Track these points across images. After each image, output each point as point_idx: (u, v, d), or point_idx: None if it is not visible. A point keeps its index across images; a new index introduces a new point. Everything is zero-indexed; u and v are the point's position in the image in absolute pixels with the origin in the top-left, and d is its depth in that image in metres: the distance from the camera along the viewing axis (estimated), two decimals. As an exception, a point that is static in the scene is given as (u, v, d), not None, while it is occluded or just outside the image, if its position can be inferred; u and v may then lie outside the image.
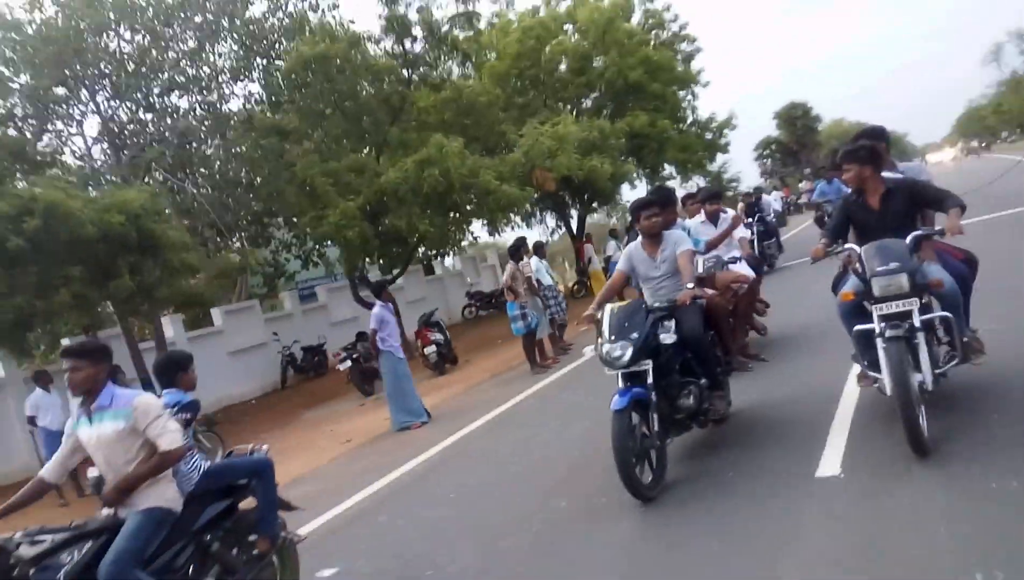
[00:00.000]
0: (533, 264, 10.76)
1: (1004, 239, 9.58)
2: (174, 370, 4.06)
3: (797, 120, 53.65)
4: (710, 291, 4.97)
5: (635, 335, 4.30)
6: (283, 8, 14.78)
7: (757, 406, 5.43)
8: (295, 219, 13.89)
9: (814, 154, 51.95)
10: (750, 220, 12.65)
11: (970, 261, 4.51)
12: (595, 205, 20.38)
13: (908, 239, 4.06)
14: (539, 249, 11.66)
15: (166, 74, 13.72)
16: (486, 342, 14.39)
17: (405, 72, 14.80)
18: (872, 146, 4.43)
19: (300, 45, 13.43)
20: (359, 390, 12.43)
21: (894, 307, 3.89)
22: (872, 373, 4.19)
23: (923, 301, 3.95)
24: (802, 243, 14.34)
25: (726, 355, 5.06)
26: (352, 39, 13.77)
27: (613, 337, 4.34)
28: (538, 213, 19.15)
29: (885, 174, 4.43)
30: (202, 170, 14.37)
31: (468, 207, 13.70)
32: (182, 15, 13.78)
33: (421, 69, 14.93)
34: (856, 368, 4.62)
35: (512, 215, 15.81)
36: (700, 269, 6.56)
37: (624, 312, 4.50)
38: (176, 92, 14.10)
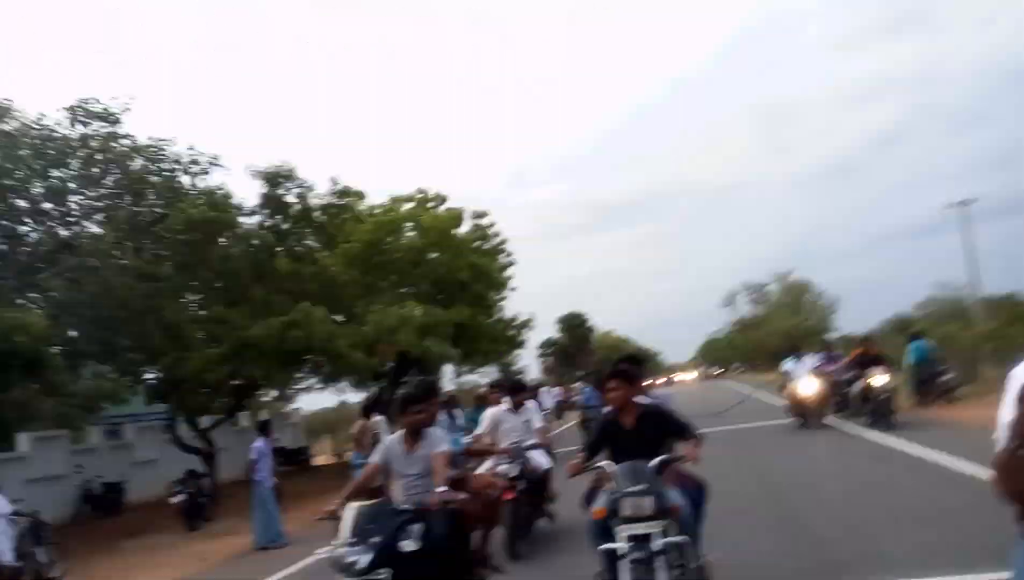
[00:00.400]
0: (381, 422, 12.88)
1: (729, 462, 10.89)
2: None
3: (575, 327, 61.62)
4: (462, 495, 4.61)
5: (376, 539, 3.93)
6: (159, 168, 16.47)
7: None
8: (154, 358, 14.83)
9: (587, 358, 59.27)
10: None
11: (702, 488, 4.77)
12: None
13: (655, 462, 4.31)
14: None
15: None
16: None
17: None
18: (634, 370, 4.88)
19: (188, 207, 15.23)
20: (186, 523, 13.11)
21: (640, 528, 4.06)
22: None
23: (664, 524, 4.12)
24: (568, 439, 17.21)
25: (472, 564, 4.87)
26: (236, 209, 15.87)
27: (354, 539, 3.96)
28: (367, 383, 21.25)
29: (640, 399, 4.86)
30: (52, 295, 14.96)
31: (321, 367, 15.64)
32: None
33: (288, 242, 17.21)
34: None
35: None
36: (506, 462, 7.24)
37: (371, 512, 4.12)
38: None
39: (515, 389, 8.26)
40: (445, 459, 4.51)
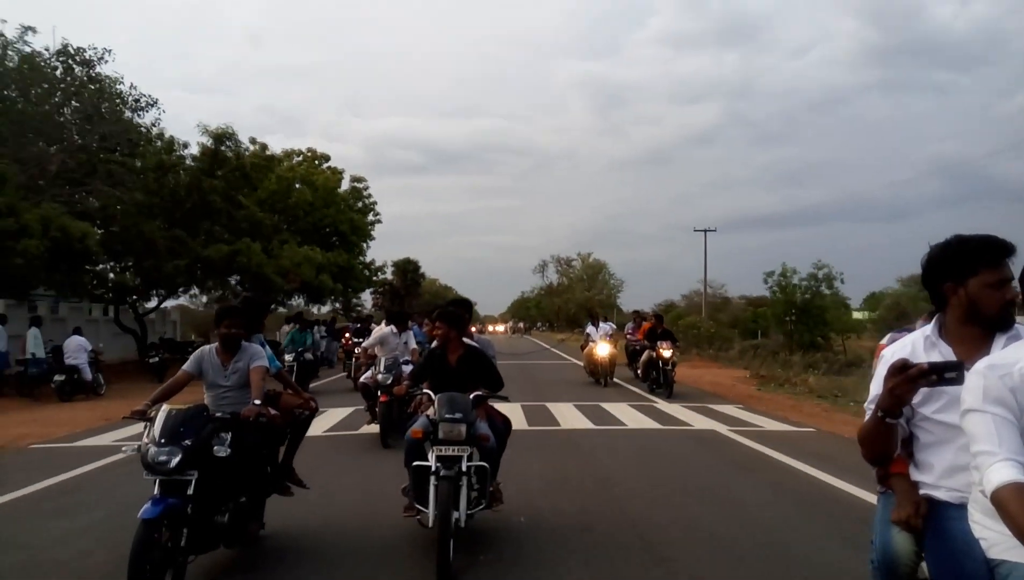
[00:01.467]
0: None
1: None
2: None
3: (409, 272, 68.75)
4: (273, 411, 4.87)
5: (187, 442, 4.02)
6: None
7: (293, 529, 5.34)
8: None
9: (415, 300, 66.75)
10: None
11: (507, 424, 5.34)
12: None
13: (472, 396, 4.79)
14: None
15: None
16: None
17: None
18: (462, 314, 5.39)
19: (156, 152, 20.77)
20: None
21: (451, 451, 4.49)
22: (418, 506, 4.70)
23: (470, 450, 4.59)
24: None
25: (275, 476, 5.12)
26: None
27: (163, 440, 4.02)
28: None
29: (464, 340, 5.28)
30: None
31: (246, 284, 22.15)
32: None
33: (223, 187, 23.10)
34: (404, 500, 5.00)
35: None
36: (380, 372, 9.11)
37: (182, 415, 4.18)
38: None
39: (400, 317, 10.19)
40: (261, 373, 4.72)
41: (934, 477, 2.34)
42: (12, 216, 14.98)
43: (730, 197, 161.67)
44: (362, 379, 10.33)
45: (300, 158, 31.08)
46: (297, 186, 28.50)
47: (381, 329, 10.20)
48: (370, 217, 32.11)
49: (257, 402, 4.56)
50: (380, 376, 9.20)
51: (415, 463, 4.67)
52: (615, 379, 17.38)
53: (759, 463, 8.18)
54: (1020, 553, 1.93)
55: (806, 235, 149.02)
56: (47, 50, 20.00)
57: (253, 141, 24.71)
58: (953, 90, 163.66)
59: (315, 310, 33.80)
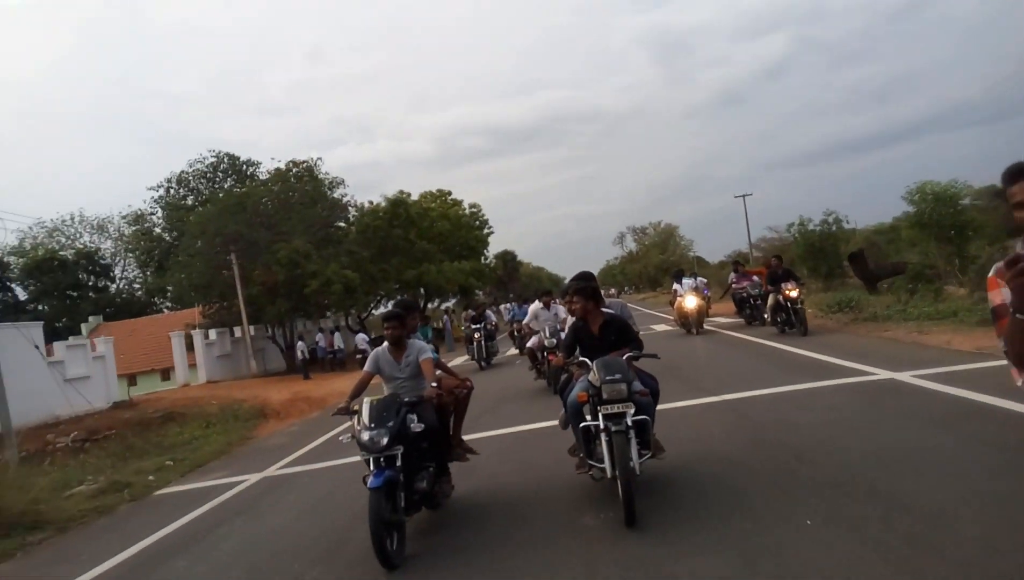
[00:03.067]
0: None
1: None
2: None
3: (508, 261, 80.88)
4: (442, 392, 5.69)
5: (391, 423, 4.97)
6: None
7: (479, 490, 6.22)
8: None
9: (515, 285, 78.73)
10: (478, 325, 19.28)
11: (656, 380, 5.58)
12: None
13: (625, 356, 5.23)
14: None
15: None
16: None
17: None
18: (595, 287, 5.81)
19: (364, 217, 33.25)
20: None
21: (616, 408, 4.88)
22: (591, 462, 5.15)
23: (632, 406, 4.91)
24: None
25: (450, 447, 5.98)
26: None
27: (373, 424, 4.99)
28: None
29: (604, 309, 5.74)
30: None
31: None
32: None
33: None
34: (573, 460, 5.54)
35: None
36: (546, 337, 11.49)
37: (381, 404, 5.15)
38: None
39: (545, 295, 12.80)
40: (432, 363, 5.68)
41: None
42: (316, 274, 27.49)
43: (815, 126, 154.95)
44: (528, 345, 13.06)
45: (433, 196, 43.49)
46: (437, 220, 40.87)
47: (534, 307, 13.12)
48: (485, 230, 44.24)
49: (434, 385, 5.48)
50: (547, 341, 11.79)
51: (582, 424, 5.15)
52: (705, 326, 18.85)
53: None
54: None
55: (903, 153, 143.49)
56: (286, 165, 32.93)
57: (405, 194, 37.21)
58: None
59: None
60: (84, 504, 8.56)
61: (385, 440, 4.91)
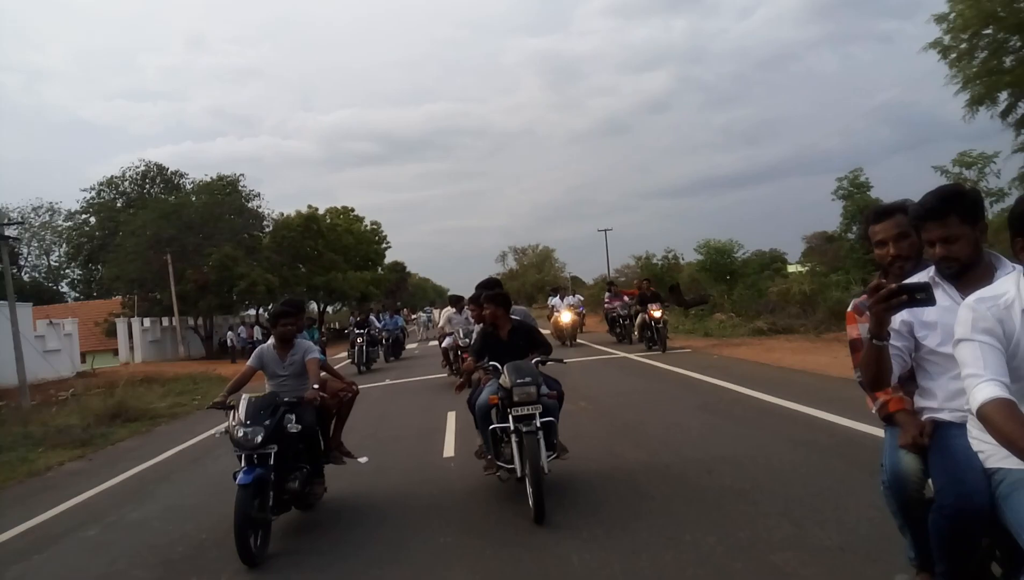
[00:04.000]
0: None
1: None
2: None
3: (397, 271, 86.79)
4: (323, 394, 5.63)
5: (268, 422, 4.94)
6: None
7: (348, 494, 6.17)
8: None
9: (403, 294, 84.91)
10: (362, 330, 19.45)
11: (560, 384, 5.84)
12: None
13: (534, 361, 5.46)
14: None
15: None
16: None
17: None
18: (506, 294, 6.06)
19: (280, 228, 38.76)
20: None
21: (527, 410, 5.08)
22: (499, 463, 5.36)
23: (539, 409, 5.15)
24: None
25: (327, 449, 6.00)
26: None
27: (248, 421, 4.93)
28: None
29: (512, 316, 5.99)
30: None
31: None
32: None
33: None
34: (480, 462, 5.76)
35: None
36: (460, 338, 12.40)
37: (260, 402, 5.09)
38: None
39: (457, 301, 13.56)
40: (317, 364, 5.65)
41: (938, 401, 2.59)
42: (244, 276, 32.88)
43: (690, 161, 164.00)
44: (443, 345, 14.32)
45: (338, 212, 49.27)
46: (343, 234, 46.75)
47: (446, 311, 14.29)
48: (384, 245, 50.60)
49: (316, 386, 5.42)
50: (461, 342, 12.68)
51: (492, 426, 5.36)
52: (578, 340, 20.75)
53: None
54: (1010, 461, 2.13)
55: (765, 192, 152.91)
56: (212, 178, 38.03)
57: (313, 208, 43.03)
58: (898, 38, 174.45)
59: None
60: (166, 411, 14.52)
61: (259, 438, 4.90)
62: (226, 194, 38.05)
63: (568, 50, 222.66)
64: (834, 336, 15.39)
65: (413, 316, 41.53)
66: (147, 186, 40.88)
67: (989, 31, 19.33)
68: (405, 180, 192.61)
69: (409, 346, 27.92)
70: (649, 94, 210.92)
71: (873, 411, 2.91)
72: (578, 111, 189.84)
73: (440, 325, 15.12)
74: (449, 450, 7.73)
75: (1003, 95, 20.27)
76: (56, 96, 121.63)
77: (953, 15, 19.53)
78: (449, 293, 20.31)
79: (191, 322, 35.51)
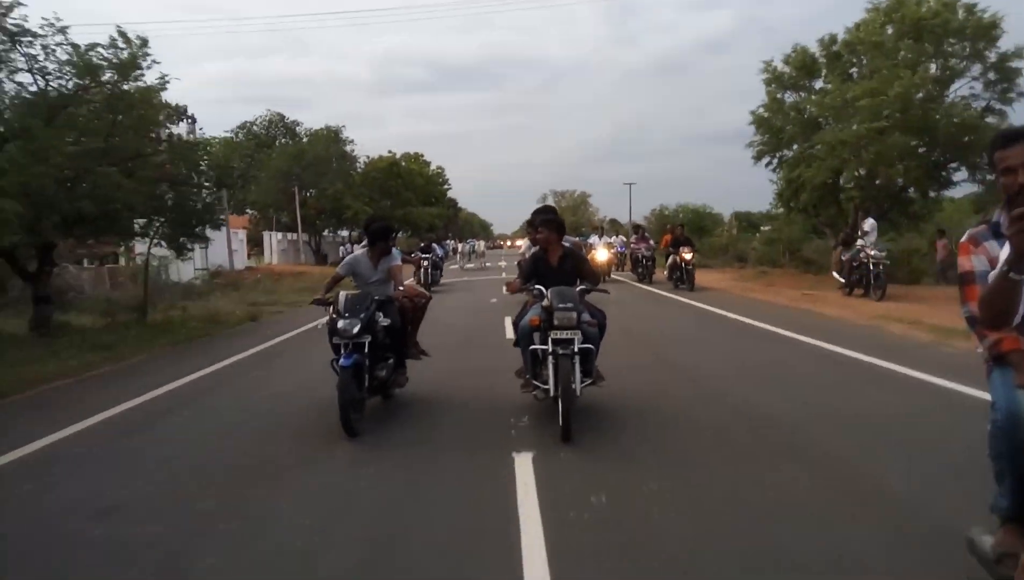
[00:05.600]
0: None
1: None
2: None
3: (452, 208, 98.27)
4: (408, 296, 6.51)
5: (363, 315, 5.64)
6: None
7: (427, 386, 7.08)
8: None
9: (455, 227, 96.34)
10: (427, 255, 21.18)
11: (603, 314, 5.91)
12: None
13: (578, 289, 5.64)
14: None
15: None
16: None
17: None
18: (560, 220, 6.16)
19: (378, 167, 50.44)
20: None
21: (565, 334, 5.29)
22: (536, 382, 5.56)
23: (579, 334, 5.35)
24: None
25: (405, 345, 6.67)
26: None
27: (347, 314, 5.66)
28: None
29: (564, 242, 6.15)
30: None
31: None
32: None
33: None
34: (518, 380, 6.02)
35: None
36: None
37: (356, 298, 5.85)
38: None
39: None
40: (401, 269, 6.50)
41: None
42: (349, 207, 44.55)
43: (742, 108, 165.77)
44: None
45: (411, 157, 60.73)
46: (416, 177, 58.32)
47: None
48: (445, 187, 62.25)
49: (401, 288, 6.30)
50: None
51: (531, 347, 5.56)
52: (612, 276, 22.36)
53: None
54: None
55: None
56: (320, 129, 49.63)
57: (392, 153, 54.54)
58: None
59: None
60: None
61: (356, 329, 5.57)
62: (332, 141, 49.71)
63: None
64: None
65: (460, 245, 49.55)
66: (271, 130, 52.69)
67: None
68: (452, 110, 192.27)
69: (452, 267, 35.49)
70: (709, 33, 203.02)
71: (979, 350, 2.76)
72: (633, 47, 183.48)
73: (522, 249, 17.17)
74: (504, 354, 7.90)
75: None
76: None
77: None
78: (492, 227, 29.05)
79: (307, 238, 47.83)
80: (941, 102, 19.03)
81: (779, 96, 22.77)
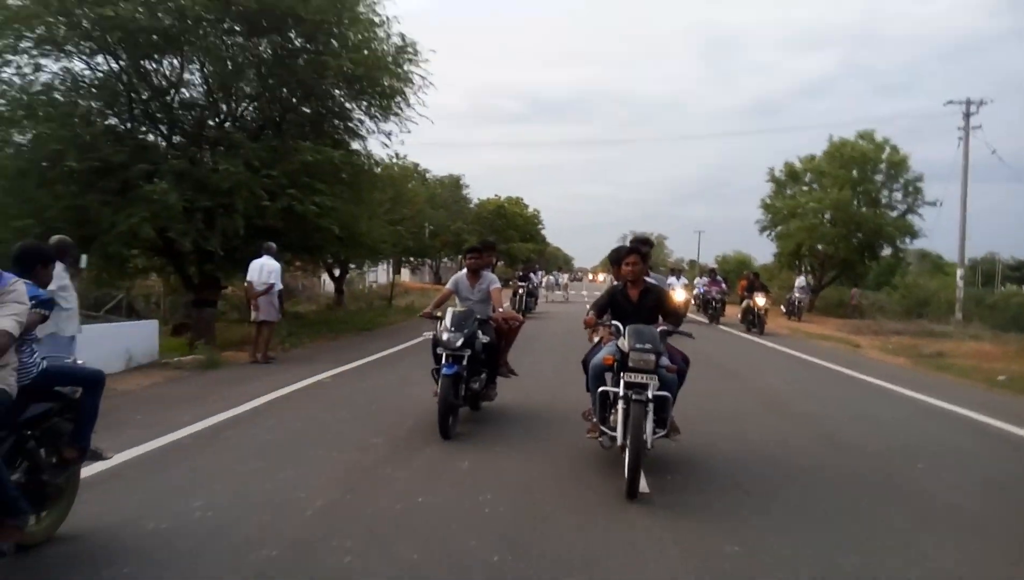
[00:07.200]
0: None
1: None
2: (35, 261, 3.93)
3: (539, 242, 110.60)
4: (507, 318, 7.19)
5: (466, 330, 6.31)
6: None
7: (510, 402, 7.88)
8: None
9: (541, 260, 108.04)
10: (523, 282, 24.07)
11: (686, 360, 5.66)
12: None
13: (659, 329, 5.21)
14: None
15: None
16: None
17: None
18: (649, 252, 5.93)
19: (488, 209, 63.65)
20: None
21: (640, 378, 4.89)
22: (603, 428, 5.23)
23: (655, 379, 4.97)
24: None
25: (498, 363, 7.24)
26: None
27: (453, 328, 6.35)
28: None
29: (647, 278, 5.90)
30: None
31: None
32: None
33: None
34: (586, 424, 5.76)
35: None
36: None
37: (461, 314, 6.51)
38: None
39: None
40: (499, 291, 7.06)
41: None
42: (466, 241, 57.71)
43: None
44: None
45: (512, 201, 73.71)
46: (517, 217, 71.17)
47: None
48: (540, 226, 75.07)
49: (500, 309, 6.90)
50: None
51: (601, 389, 5.18)
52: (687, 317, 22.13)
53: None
54: None
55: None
56: (444, 177, 63.30)
57: (496, 196, 67.63)
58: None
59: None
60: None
61: (460, 342, 6.24)
62: (456, 186, 63.28)
63: (727, 20, 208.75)
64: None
65: (545, 278, 56.66)
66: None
67: None
68: (540, 141, 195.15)
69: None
70: (808, 75, 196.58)
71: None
72: (728, 87, 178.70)
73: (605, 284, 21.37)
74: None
75: None
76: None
77: None
78: (574, 261, 36.18)
79: (430, 263, 61.33)
80: (873, 208, 31.11)
81: (776, 191, 35.21)
